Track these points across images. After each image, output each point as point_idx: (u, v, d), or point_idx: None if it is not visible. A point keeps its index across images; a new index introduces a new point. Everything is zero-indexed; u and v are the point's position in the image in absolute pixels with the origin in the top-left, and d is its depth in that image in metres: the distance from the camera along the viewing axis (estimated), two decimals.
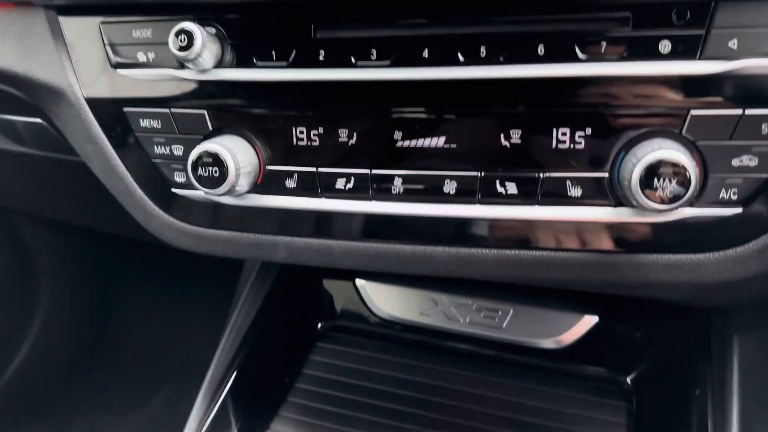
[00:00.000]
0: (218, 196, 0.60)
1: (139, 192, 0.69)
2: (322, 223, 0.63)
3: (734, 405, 0.71)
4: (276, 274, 0.93)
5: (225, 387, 0.83)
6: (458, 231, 0.60)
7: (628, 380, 0.76)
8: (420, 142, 0.58)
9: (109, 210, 0.79)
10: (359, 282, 0.90)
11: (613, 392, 0.77)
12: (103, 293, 1.87)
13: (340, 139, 0.59)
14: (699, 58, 0.51)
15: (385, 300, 0.88)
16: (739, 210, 0.54)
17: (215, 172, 0.59)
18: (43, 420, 1.66)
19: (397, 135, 0.58)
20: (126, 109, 0.65)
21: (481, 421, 0.78)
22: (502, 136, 0.56)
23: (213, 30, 0.59)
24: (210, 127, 0.62)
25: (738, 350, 0.72)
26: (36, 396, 1.70)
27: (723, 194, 0.54)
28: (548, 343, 0.79)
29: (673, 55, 0.51)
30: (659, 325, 0.77)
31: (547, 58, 0.53)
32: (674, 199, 0.51)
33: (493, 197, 0.58)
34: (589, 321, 0.78)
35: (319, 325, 0.91)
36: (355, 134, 0.59)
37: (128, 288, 1.90)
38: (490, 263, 0.61)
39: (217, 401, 0.82)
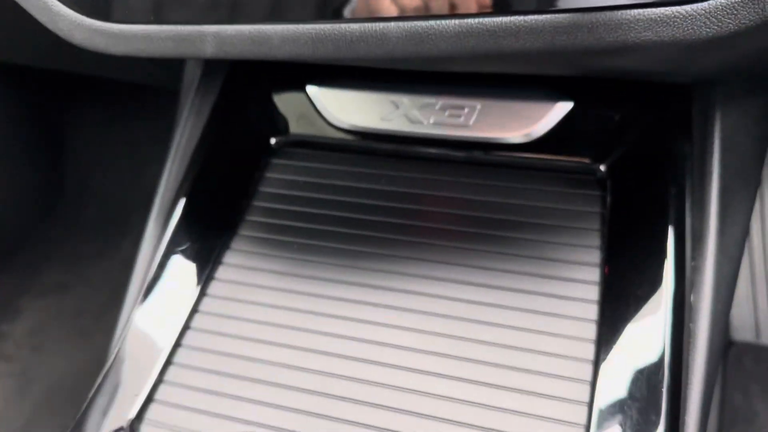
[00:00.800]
0: None
1: None
2: (253, 2, 0.54)
3: (714, 182, 0.67)
4: (219, 89, 0.84)
5: (175, 212, 0.78)
6: None
7: (603, 168, 0.72)
8: None
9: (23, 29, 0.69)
10: (311, 90, 0.81)
11: (587, 182, 0.73)
12: (54, 141, 1.78)
13: None
14: None
15: (341, 107, 0.80)
16: None
17: None
18: (14, 272, 1.64)
19: None
20: None
21: (452, 223, 0.74)
22: None
23: None
24: None
25: (719, 125, 0.68)
26: (2, 251, 1.66)
27: None
28: (519, 137, 0.73)
29: None
30: (637, 106, 0.72)
31: None
32: None
33: None
34: (563, 108, 0.72)
35: (273, 141, 0.84)
36: None
37: (79, 135, 1.81)
38: (451, 36, 0.53)
39: (169, 227, 0.77)
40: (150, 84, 1.27)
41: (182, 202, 0.79)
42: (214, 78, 0.84)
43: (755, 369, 1.24)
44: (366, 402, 0.65)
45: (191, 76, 0.85)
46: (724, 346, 1.28)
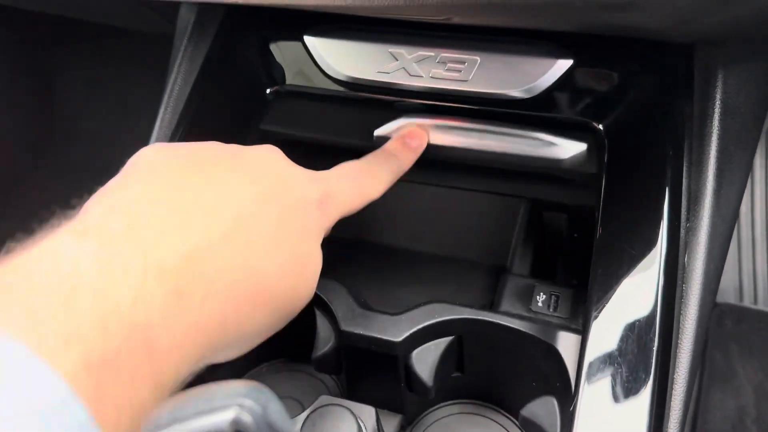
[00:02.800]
0: None
1: None
2: None
3: (713, 144, 0.67)
4: (213, 36, 0.82)
5: None
6: None
7: (601, 127, 0.71)
8: None
9: None
10: (309, 40, 0.80)
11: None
12: (42, 86, 1.75)
13: None
14: None
15: (339, 59, 0.79)
16: None
17: None
18: (7, 219, 1.63)
19: None
20: None
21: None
22: None
23: None
24: None
25: (721, 86, 0.67)
26: None
27: None
28: (518, 93, 0.72)
29: None
30: (638, 66, 0.71)
31: None
32: None
33: None
34: (563, 65, 0.71)
35: (268, 91, 0.83)
36: None
37: (68, 79, 1.78)
38: None
39: None
40: (143, 29, 1.24)
41: None
42: (209, 24, 0.82)
43: (736, 330, 1.27)
44: None
45: (185, 21, 0.83)
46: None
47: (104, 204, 0.45)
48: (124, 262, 0.38)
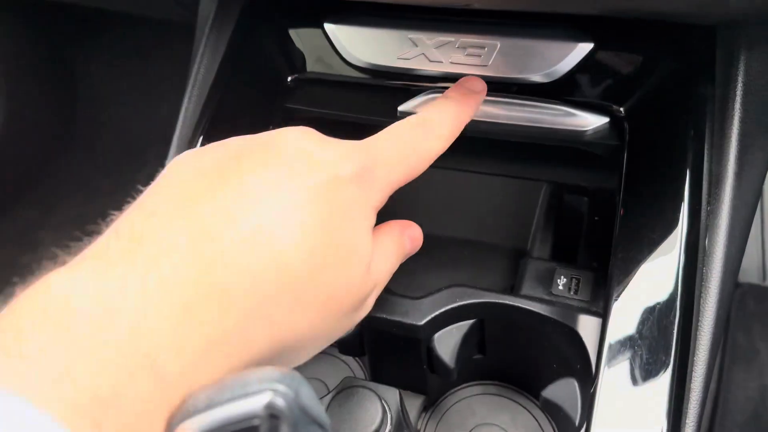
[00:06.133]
0: None
1: None
2: None
3: (734, 126, 0.67)
4: (234, 25, 0.83)
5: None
6: None
7: (622, 110, 0.71)
8: None
9: None
10: (328, 27, 0.80)
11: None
12: (66, 75, 1.77)
13: None
14: None
15: (359, 45, 0.79)
16: None
17: None
18: (33, 205, 1.66)
19: None
20: None
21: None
22: None
23: None
24: None
25: (743, 68, 0.67)
26: (16, 187, 1.68)
27: None
28: (538, 77, 0.72)
29: None
30: (659, 48, 0.71)
31: None
32: None
33: None
34: (583, 49, 0.71)
35: (289, 78, 0.84)
36: None
37: (91, 68, 1.80)
38: None
39: None
40: (165, 18, 1.25)
41: (200, 141, 0.79)
42: (230, 13, 0.83)
43: (758, 310, 1.27)
44: None
45: (206, 11, 0.84)
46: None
47: (113, 226, 0.41)
48: (121, 285, 0.35)
